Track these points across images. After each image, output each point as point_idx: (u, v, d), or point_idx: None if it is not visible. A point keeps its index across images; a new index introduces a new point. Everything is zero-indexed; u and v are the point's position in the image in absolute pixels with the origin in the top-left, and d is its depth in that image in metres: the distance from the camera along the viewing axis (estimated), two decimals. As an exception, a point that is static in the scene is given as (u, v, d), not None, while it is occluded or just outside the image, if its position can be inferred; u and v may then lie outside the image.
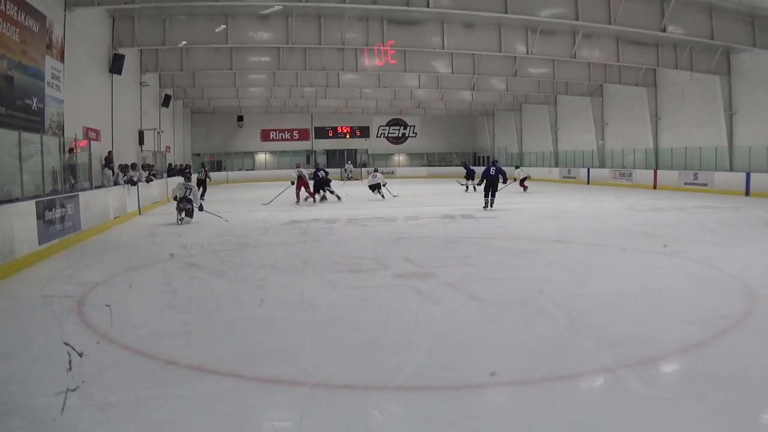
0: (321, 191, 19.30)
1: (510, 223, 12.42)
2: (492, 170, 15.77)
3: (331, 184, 19.78)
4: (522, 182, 22.74)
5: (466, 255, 8.34)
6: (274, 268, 7.61)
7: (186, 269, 7.68)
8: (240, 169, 39.62)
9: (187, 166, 27.22)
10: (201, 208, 13.46)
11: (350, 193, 21.90)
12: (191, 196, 13.28)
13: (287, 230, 11.70)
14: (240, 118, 40.00)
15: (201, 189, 21.06)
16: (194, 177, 20.17)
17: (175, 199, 13.37)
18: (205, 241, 10.24)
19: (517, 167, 25.55)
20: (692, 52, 20.98)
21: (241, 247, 9.52)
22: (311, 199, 18.86)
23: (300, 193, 18.87)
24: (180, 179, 17.06)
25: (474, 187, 22.45)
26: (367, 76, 26.71)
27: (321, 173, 19.62)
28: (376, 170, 21.89)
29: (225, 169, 37.84)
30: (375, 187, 20.61)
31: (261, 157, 41.38)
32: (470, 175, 23.78)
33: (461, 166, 25.46)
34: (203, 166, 23.50)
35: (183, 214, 13.16)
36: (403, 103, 38.54)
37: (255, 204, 18.78)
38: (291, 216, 14.45)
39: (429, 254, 8.43)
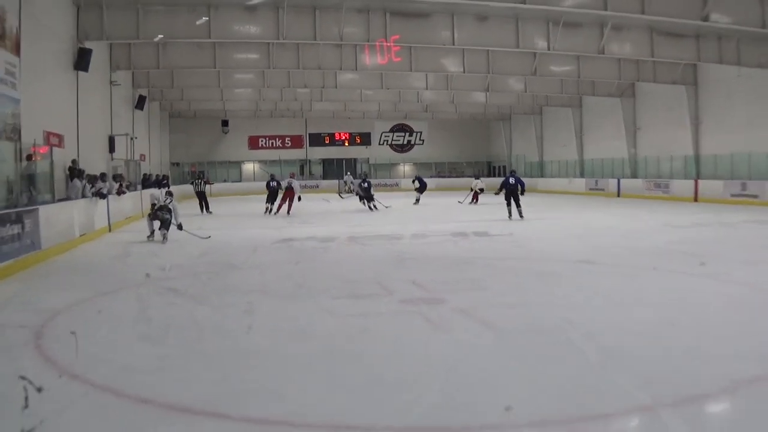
0: (367, 201, 21.77)
1: (529, 242, 12.47)
2: (511, 180, 17.21)
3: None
4: (476, 195, 24.88)
5: (480, 277, 8.37)
6: (264, 292, 7.63)
7: (163, 294, 7.68)
8: (225, 181, 39.87)
9: (165, 177, 27.30)
10: (180, 227, 13.45)
11: (392, 205, 23.31)
12: (171, 206, 13.29)
13: (278, 250, 11.73)
14: (225, 123, 40.35)
15: (203, 202, 21.56)
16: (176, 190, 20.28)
17: (152, 208, 13.31)
18: (185, 262, 10.26)
19: (477, 177, 28.09)
20: (739, 43, 20.74)
21: (226, 269, 9.55)
22: (279, 211, 20.27)
23: (282, 204, 20.22)
24: (158, 191, 17.10)
25: (417, 200, 25.21)
26: (368, 75, 26.93)
27: (366, 184, 22.11)
28: (364, 180, 22.97)
29: (208, 182, 38.03)
30: (366, 199, 22.12)
31: (249, 167, 41.70)
32: (421, 189, 25.61)
33: (415, 179, 26.58)
34: (199, 175, 23.65)
35: (158, 226, 13.15)
36: (408, 107, 38.82)
37: (242, 220, 18.86)
38: (282, 233, 14.51)
39: (438, 277, 8.45)
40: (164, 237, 13.13)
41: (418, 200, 25.33)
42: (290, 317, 6.36)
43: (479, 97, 33.59)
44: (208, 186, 23.30)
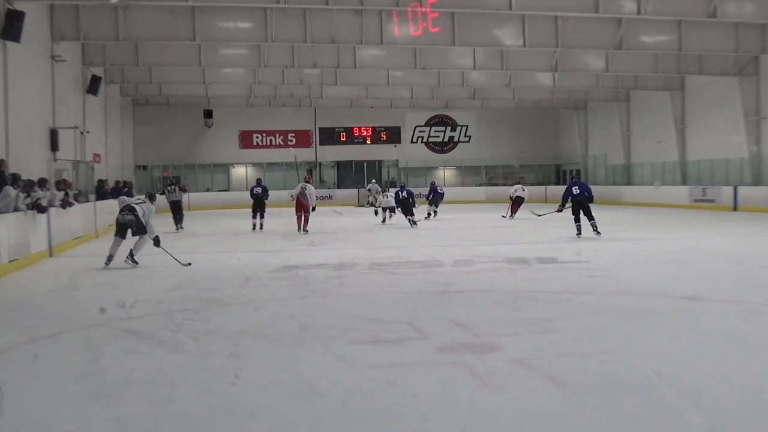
0: (409, 216, 22.82)
1: (611, 270, 12.45)
2: (575, 189, 18.20)
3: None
4: (520, 204, 26.17)
5: (545, 317, 8.34)
6: (259, 336, 7.66)
7: (122, 339, 7.70)
8: (208, 189, 40.34)
9: (127, 185, 27.44)
10: (157, 242, 13.67)
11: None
12: (138, 211, 13.46)
13: (278, 280, 11.76)
14: (208, 114, 40.82)
15: (177, 215, 21.92)
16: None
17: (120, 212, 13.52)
18: (154, 296, 10.29)
19: (518, 182, 28.87)
20: None
21: (209, 306, 9.58)
22: (305, 228, 20.93)
23: (300, 218, 20.78)
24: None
25: (434, 212, 26.76)
26: (398, 51, 27.06)
27: (405, 193, 23.31)
28: (387, 188, 24.45)
29: (185, 190, 38.20)
30: (389, 210, 23.59)
31: (240, 172, 42.17)
32: (435, 199, 27.05)
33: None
34: (173, 181, 23.84)
35: (127, 233, 13.33)
36: (450, 93, 38.94)
37: (230, 240, 19.05)
38: (283, 259, 14.58)
39: (489, 316, 8.45)
40: (131, 257, 13.32)
41: (430, 214, 26.64)
42: (293, 369, 6.35)
43: (545, 79, 33.60)
44: (183, 194, 23.49)
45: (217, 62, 27.73)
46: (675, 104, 34.03)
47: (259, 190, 22.34)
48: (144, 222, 13.48)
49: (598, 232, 17.71)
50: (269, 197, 22.94)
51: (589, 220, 17.85)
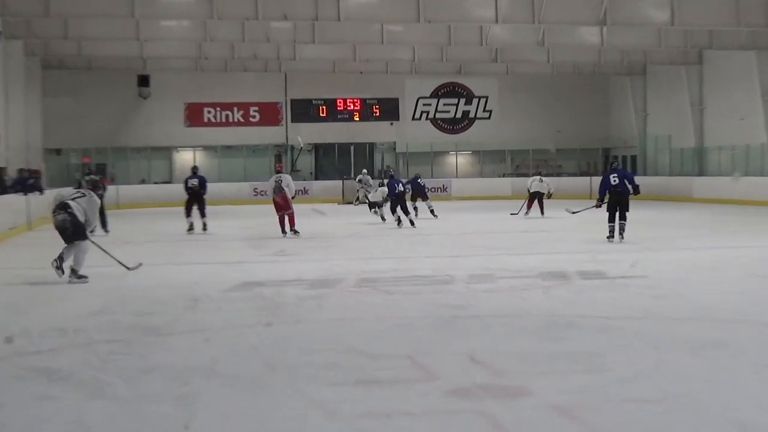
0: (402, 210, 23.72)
1: (678, 287, 12.52)
2: (613, 178, 18.91)
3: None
4: (540, 200, 27.60)
5: (590, 351, 8.33)
6: (211, 375, 7.64)
7: (29, 380, 7.65)
8: (144, 181, 40.20)
9: (33, 175, 27.31)
10: (93, 232, 14.01)
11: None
12: (74, 206, 13.57)
13: (237, 301, 11.76)
14: (144, 82, 40.81)
15: (102, 214, 22.29)
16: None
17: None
18: (72, 322, 10.24)
19: (537, 173, 29.60)
20: None
21: (145, 336, 9.53)
22: (290, 231, 21.55)
23: (282, 218, 21.38)
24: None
25: (432, 212, 27.63)
26: (394, -2, 27.10)
27: (421, 182, 25.67)
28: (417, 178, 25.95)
29: (113, 180, 38.52)
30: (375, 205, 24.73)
31: (186, 158, 42.10)
32: (419, 193, 28.17)
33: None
34: (90, 172, 23.85)
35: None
36: (464, 54, 38.94)
37: (173, 248, 19.18)
38: (244, 273, 14.63)
39: (516, 349, 8.39)
40: (57, 263, 13.37)
41: (433, 212, 27.83)
42: (256, 419, 6.33)
43: (590, 35, 33.62)
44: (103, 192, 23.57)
45: (155, 12, 27.65)
46: (763, 69, 33.92)
47: (195, 182, 22.62)
48: (83, 221, 13.57)
49: (622, 237, 18.69)
50: (207, 191, 23.25)
51: (620, 220, 18.69)
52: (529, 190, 27.57)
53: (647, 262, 15.22)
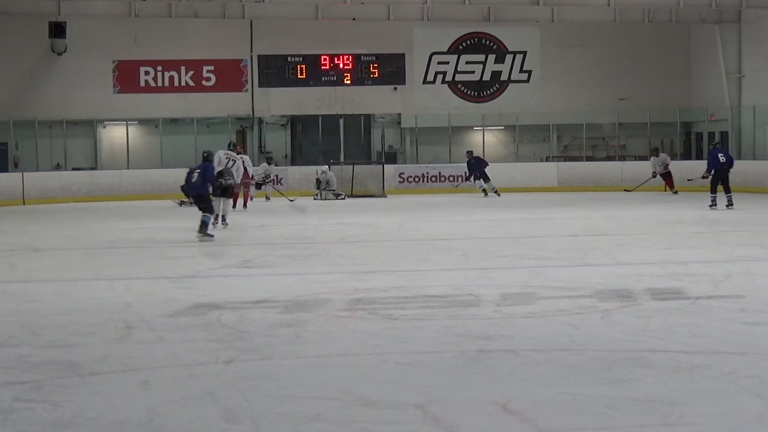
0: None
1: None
2: (721, 156, 23.29)
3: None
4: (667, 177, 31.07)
5: (665, 398, 7.32)
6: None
7: None
8: (59, 166, 38.25)
9: None
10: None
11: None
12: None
13: (186, 330, 10.59)
14: (57, 31, 37.83)
15: None
16: None
17: None
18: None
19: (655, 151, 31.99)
20: None
21: (61, 376, 8.45)
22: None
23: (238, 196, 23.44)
24: None
25: (495, 191, 31.04)
26: None
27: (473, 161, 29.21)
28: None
29: (17, 166, 37.22)
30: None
31: (116, 135, 39.97)
32: (477, 174, 30.77)
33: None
34: None
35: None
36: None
37: (98, 258, 17.99)
38: (196, 292, 13.23)
39: (564, 396, 7.38)
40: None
41: (486, 193, 31.25)
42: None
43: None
44: None
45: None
46: None
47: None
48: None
49: (732, 205, 23.09)
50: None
51: (726, 192, 23.17)
52: (656, 174, 31.30)
53: (742, 276, 13.78)
